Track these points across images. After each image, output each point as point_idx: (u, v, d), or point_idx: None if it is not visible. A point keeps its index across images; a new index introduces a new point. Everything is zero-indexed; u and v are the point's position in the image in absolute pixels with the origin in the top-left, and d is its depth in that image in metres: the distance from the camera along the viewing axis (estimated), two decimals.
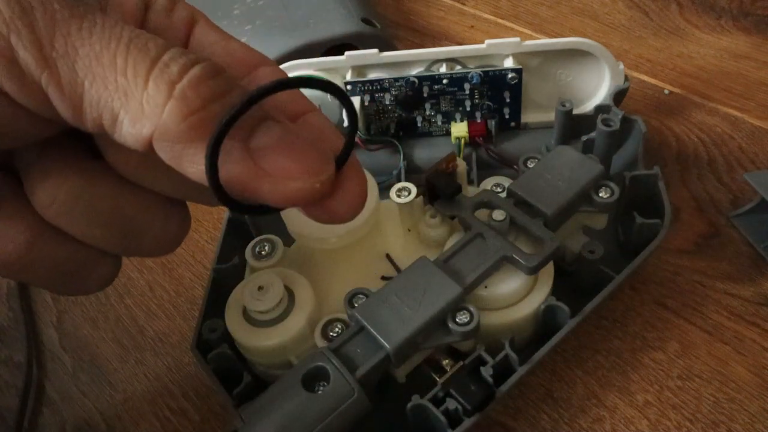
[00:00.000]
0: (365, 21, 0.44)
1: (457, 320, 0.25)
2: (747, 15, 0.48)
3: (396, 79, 0.35)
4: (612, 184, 0.29)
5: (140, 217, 0.20)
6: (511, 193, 0.29)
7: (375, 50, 0.36)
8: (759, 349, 0.29)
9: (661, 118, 0.41)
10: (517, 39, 0.35)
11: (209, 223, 0.39)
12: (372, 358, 0.24)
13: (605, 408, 0.28)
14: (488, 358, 0.26)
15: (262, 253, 0.30)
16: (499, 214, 0.28)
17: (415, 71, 0.36)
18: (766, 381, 0.28)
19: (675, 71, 0.44)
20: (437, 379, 0.26)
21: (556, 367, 0.30)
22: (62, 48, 0.16)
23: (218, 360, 0.27)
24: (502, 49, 0.35)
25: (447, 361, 0.26)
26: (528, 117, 0.38)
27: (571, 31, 0.49)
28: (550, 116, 0.37)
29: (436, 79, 0.35)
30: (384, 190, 0.31)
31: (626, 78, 0.36)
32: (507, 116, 0.37)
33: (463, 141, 0.36)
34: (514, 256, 0.27)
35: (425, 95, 0.36)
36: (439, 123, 0.37)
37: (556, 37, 0.47)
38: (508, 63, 0.35)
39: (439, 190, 0.29)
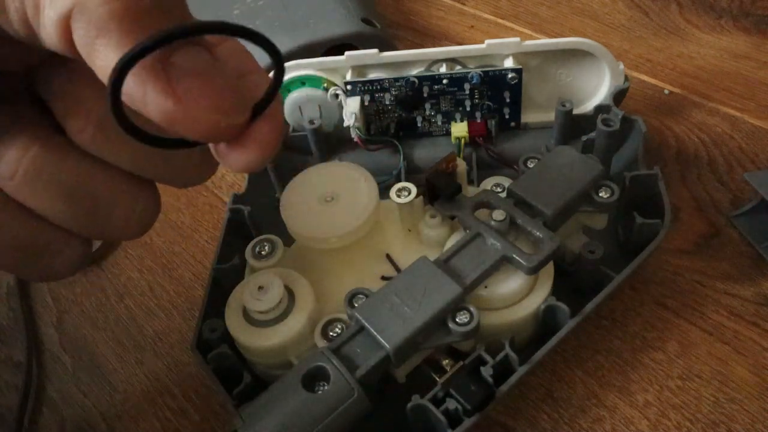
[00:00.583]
0: (365, 21, 0.44)
1: (457, 320, 0.25)
2: (747, 15, 0.48)
3: (396, 79, 0.35)
4: (612, 184, 0.29)
5: (105, 193, 0.20)
6: (511, 193, 0.29)
7: (375, 50, 0.36)
8: (759, 349, 0.29)
9: (661, 118, 0.41)
10: (517, 39, 0.35)
11: (209, 223, 0.39)
12: (372, 358, 0.24)
13: (605, 408, 0.28)
14: (488, 358, 0.26)
15: (262, 253, 0.30)
16: (499, 214, 0.28)
17: (415, 71, 0.36)
18: (766, 381, 0.28)
19: (675, 71, 0.44)
20: (437, 379, 0.26)
21: (556, 367, 0.30)
22: None
23: (218, 360, 0.27)
24: (502, 49, 0.35)
25: (447, 361, 0.26)
26: (528, 117, 0.38)
27: (571, 31, 0.49)
28: (550, 116, 0.37)
29: (436, 79, 0.35)
30: (384, 190, 0.31)
31: (626, 78, 0.36)
32: (507, 116, 0.37)
33: (463, 141, 0.36)
34: (514, 256, 0.27)
35: (425, 95, 0.36)
36: (439, 123, 0.37)
37: (556, 37, 0.47)
38: (508, 63, 0.35)
39: (439, 190, 0.29)
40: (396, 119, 0.37)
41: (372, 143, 0.37)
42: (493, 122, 0.37)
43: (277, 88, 0.18)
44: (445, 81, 0.35)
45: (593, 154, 0.33)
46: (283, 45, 0.41)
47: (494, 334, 0.27)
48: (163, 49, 0.15)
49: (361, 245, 0.29)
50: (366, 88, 0.36)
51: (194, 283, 0.36)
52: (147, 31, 0.15)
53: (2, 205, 0.19)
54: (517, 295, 0.28)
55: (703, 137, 0.39)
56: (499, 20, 0.52)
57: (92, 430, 0.31)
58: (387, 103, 0.36)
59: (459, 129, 0.36)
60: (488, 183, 0.32)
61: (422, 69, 0.36)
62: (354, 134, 0.36)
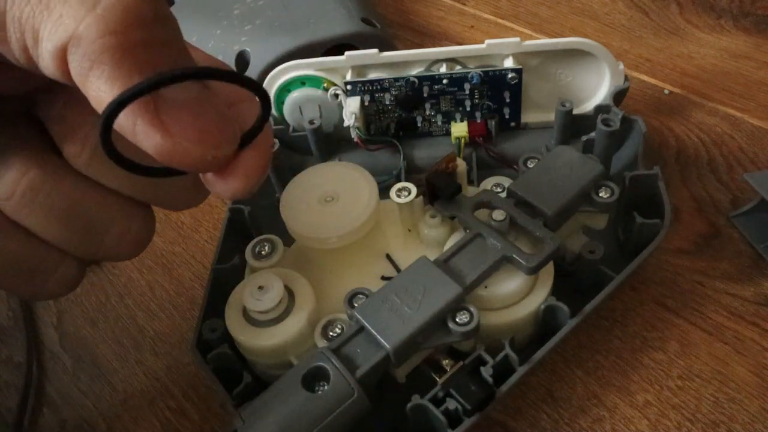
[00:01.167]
0: (365, 21, 0.44)
1: (457, 320, 0.25)
2: (747, 15, 0.48)
3: (396, 79, 0.35)
4: (612, 184, 0.29)
5: (100, 214, 0.20)
6: (511, 193, 0.29)
7: (375, 50, 0.36)
8: (759, 349, 0.29)
9: (661, 118, 0.41)
10: (517, 39, 0.35)
11: (209, 223, 0.39)
12: (372, 358, 0.24)
13: (605, 408, 0.28)
14: (488, 358, 0.26)
15: (262, 253, 0.30)
16: (499, 214, 0.28)
17: (415, 71, 0.36)
18: (766, 381, 0.28)
19: (675, 71, 0.44)
20: (437, 379, 0.26)
21: (556, 367, 0.30)
22: None
23: (218, 360, 0.27)
24: (502, 49, 0.35)
25: (447, 361, 0.26)
26: (528, 117, 0.38)
27: (571, 31, 0.49)
28: (550, 116, 0.36)
29: (436, 79, 0.35)
30: (384, 190, 0.31)
31: (626, 78, 0.36)
32: (507, 116, 0.37)
33: (463, 141, 0.36)
34: (514, 256, 0.27)
35: (425, 95, 0.36)
36: (439, 123, 0.37)
37: (556, 37, 0.47)
38: (508, 63, 0.35)
39: (439, 190, 0.29)
40: (396, 119, 0.37)
41: (372, 143, 0.37)
42: (493, 122, 0.37)
43: (264, 122, 0.18)
44: (445, 81, 0.35)
45: (593, 154, 0.33)
46: (283, 45, 0.41)
47: (494, 334, 0.27)
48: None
49: (361, 245, 0.29)
50: (366, 88, 0.36)
51: (194, 283, 0.36)
52: (139, 64, 0.15)
53: (0, 225, 0.19)
54: (517, 295, 0.28)
55: (703, 137, 0.39)
56: (499, 20, 0.52)
57: (92, 430, 0.31)
58: (387, 103, 0.36)
59: (459, 129, 0.36)
60: (488, 183, 0.32)
61: (422, 69, 0.36)
62: (354, 134, 0.36)
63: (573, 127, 0.36)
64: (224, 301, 0.28)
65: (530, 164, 0.31)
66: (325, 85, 0.36)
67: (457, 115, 0.37)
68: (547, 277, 0.28)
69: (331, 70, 0.36)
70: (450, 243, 0.29)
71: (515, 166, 0.34)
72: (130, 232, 0.21)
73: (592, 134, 0.34)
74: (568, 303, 0.27)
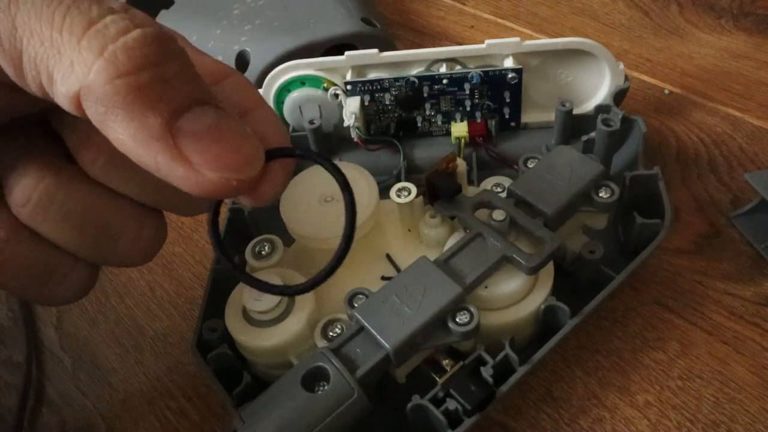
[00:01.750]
0: (365, 21, 0.44)
1: (457, 320, 0.25)
2: (747, 15, 0.47)
3: (396, 79, 0.35)
4: (612, 184, 0.29)
5: (113, 220, 0.20)
6: (511, 193, 0.29)
7: (375, 50, 0.35)
8: (759, 349, 0.29)
9: (661, 118, 0.41)
10: (517, 39, 0.35)
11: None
12: (372, 358, 0.24)
13: (605, 408, 0.28)
14: (488, 358, 0.26)
15: (262, 253, 0.30)
16: (499, 214, 0.28)
17: (415, 71, 0.36)
18: (766, 381, 0.28)
19: (675, 71, 0.44)
20: (437, 379, 0.26)
21: (556, 367, 0.30)
22: (3, 3, 0.16)
23: (218, 360, 0.27)
24: (502, 49, 0.35)
25: (447, 361, 0.26)
26: (528, 117, 0.38)
27: (571, 31, 0.49)
28: (550, 116, 0.36)
29: (436, 79, 0.35)
30: (384, 190, 0.31)
31: (626, 78, 0.36)
32: (507, 116, 0.37)
33: (463, 141, 0.36)
34: (514, 256, 0.27)
35: (425, 95, 0.36)
36: (439, 123, 0.37)
37: (556, 37, 0.47)
38: (508, 63, 0.35)
39: (439, 190, 0.29)
40: (396, 119, 0.37)
41: (372, 143, 0.37)
42: (493, 122, 0.37)
43: (351, 226, 0.20)
44: (445, 81, 0.35)
45: (593, 154, 0.33)
46: (283, 45, 0.41)
47: (494, 334, 0.27)
48: (169, 114, 0.16)
49: (361, 245, 0.29)
50: (366, 88, 0.36)
51: (194, 283, 0.36)
52: (152, 102, 0.16)
53: (15, 231, 0.20)
54: (517, 295, 0.28)
55: (703, 137, 0.39)
56: (499, 20, 0.51)
57: (92, 430, 0.31)
58: (387, 103, 0.36)
59: (459, 129, 0.36)
60: (488, 183, 0.32)
61: (422, 69, 0.36)
62: (354, 134, 0.36)
63: (573, 127, 0.36)
64: (224, 302, 0.28)
65: (530, 164, 0.31)
66: (325, 85, 0.36)
67: (457, 115, 0.37)
68: (547, 277, 0.28)
69: (331, 70, 0.36)
70: (450, 243, 0.29)
71: (515, 166, 0.34)
72: (142, 237, 0.21)
73: (592, 134, 0.34)
74: (568, 303, 0.27)
